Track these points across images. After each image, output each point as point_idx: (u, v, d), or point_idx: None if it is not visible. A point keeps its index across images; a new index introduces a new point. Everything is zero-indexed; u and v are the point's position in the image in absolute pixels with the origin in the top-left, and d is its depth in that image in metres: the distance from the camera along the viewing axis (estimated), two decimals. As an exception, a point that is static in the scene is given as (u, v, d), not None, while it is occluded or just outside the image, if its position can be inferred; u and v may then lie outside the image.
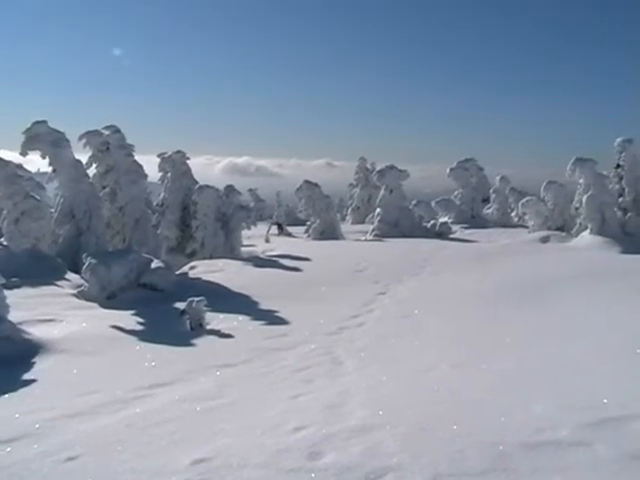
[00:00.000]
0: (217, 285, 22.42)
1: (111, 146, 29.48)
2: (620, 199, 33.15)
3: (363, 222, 53.50)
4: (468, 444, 7.03)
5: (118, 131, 30.04)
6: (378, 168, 45.19)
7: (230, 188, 34.91)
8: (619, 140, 33.39)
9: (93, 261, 20.30)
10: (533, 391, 9.00)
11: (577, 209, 34.50)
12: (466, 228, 44.80)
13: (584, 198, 32.54)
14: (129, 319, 16.94)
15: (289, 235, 44.71)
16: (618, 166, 33.51)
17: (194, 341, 14.89)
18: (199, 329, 15.86)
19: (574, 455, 6.65)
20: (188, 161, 36.67)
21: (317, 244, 36.64)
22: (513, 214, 50.92)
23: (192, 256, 32.09)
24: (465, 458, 6.70)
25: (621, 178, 33.38)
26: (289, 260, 28.12)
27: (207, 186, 33.88)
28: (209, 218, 32.99)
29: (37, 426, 8.70)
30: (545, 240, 34.66)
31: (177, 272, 24.76)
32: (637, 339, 11.83)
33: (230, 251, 32.34)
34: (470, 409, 8.28)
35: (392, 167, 42.22)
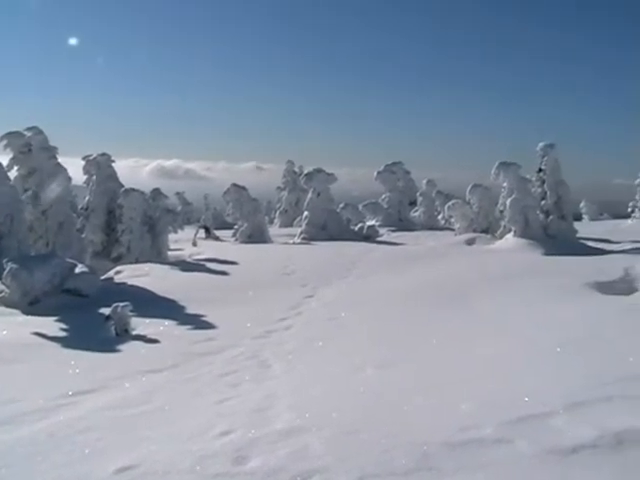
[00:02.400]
0: (143, 290, 22.15)
1: (33, 148, 28.83)
2: (542, 202, 33.88)
3: (291, 225, 53.61)
4: (394, 445, 7.07)
5: (41, 132, 29.39)
6: (306, 171, 45.33)
7: (156, 191, 34.60)
8: (541, 145, 34.17)
9: (14, 266, 19.84)
10: (458, 391, 9.10)
11: (501, 212, 35.18)
12: (393, 231, 45.26)
13: (508, 201, 33.21)
14: (52, 325, 16.60)
15: (217, 239, 44.46)
16: (540, 170, 34.26)
17: (119, 347, 14.68)
18: (124, 335, 15.64)
19: (496, 452, 6.76)
20: (114, 164, 36.14)
21: (245, 247, 36.53)
22: (440, 217, 51.73)
23: (118, 260, 31.64)
24: (390, 459, 6.74)
25: (543, 182, 34.13)
26: (216, 264, 27.97)
27: (133, 189, 33.49)
28: (135, 222, 32.61)
29: (-46, 437, 8.45)
30: (471, 242, 35.30)
31: (102, 277, 24.39)
32: (558, 337, 12.09)
33: (157, 255, 32.02)
34: (395, 410, 8.34)
35: (320, 170, 42.41)
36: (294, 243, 38.83)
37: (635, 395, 8.06)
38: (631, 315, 14.35)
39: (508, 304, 17.00)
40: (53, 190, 28.35)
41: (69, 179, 30.24)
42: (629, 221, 51.00)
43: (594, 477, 6.07)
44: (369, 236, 39.76)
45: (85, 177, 35.67)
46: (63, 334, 15.82)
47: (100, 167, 35.37)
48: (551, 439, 6.93)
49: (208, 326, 16.68)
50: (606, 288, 19.08)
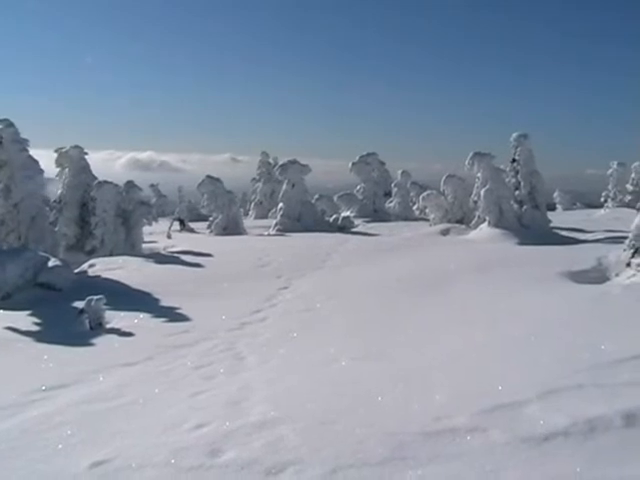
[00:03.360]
0: (117, 283, 22.02)
1: (4, 140, 28.43)
2: (516, 192, 34.06)
3: (266, 217, 53.55)
4: (368, 435, 7.11)
5: (11, 125, 29.00)
6: (280, 163, 45.24)
7: (130, 184, 34.37)
8: (515, 135, 34.30)
9: (-14, 260, 19.65)
10: (432, 381, 9.15)
11: (475, 202, 35.31)
12: (368, 222, 45.38)
13: (482, 191, 33.33)
14: (25, 320, 16.48)
15: (191, 231, 44.36)
16: (514, 160, 34.41)
17: (93, 341, 14.60)
18: (98, 328, 15.57)
19: (470, 441, 6.82)
20: (87, 156, 35.88)
21: (220, 240, 36.46)
22: (414, 207, 51.80)
23: (92, 254, 31.38)
24: (365, 449, 6.77)
25: (517, 172, 34.30)
26: (191, 256, 27.86)
27: (106, 182, 33.26)
28: (109, 214, 32.39)
29: None
30: (445, 233, 35.43)
31: (76, 270, 24.20)
32: (531, 327, 12.21)
33: (131, 248, 31.86)
34: (370, 401, 8.37)
35: (294, 162, 42.35)
36: (269, 235, 38.81)
37: (607, 383, 8.16)
38: (603, 303, 14.50)
39: (483, 294, 17.10)
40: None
41: (41, 172, 29.91)
42: (602, 211, 51.59)
43: (566, 464, 6.15)
44: (344, 227, 39.84)
45: (58, 170, 35.35)
46: (36, 328, 15.72)
47: (73, 160, 35.09)
48: (524, 427, 7.01)
49: (183, 319, 16.63)
50: (579, 277, 19.26)
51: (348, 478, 6.22)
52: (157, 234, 38.65)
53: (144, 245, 33.41)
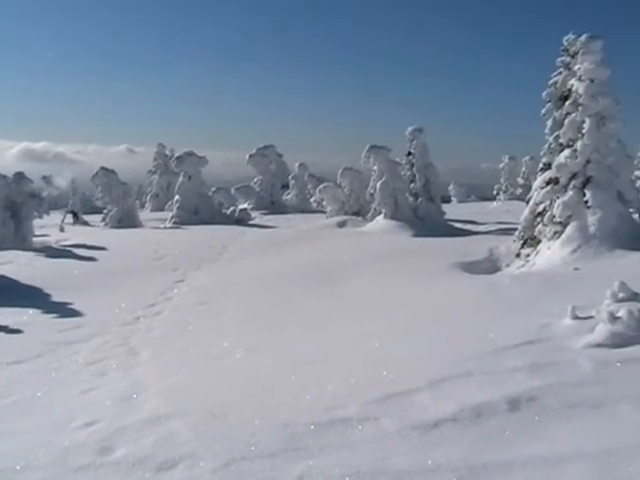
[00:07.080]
0: (5, 278, 21.32)
1: None
2: (412, 185, 34.65)
3: (162, 209, 52.85)
4: (261, 428, 7.10)
5: None
6: (177, 154, 44.74)
7: (20, 175, 33.29)
8: (410, 129, 34.88)
9: None
10: (325, 371, 9.22)
11: (372, 195, 35.75)
12: (265, 214, 45.45)
13: (378, 184, 33.77)
14: None
15: (85, 224, 43.40)
16: (409, 153, 35.00)
17: (-22, 339, 14.12)
18: (-16, 326, 15.07)
19: (362, 430, 6.90)
20: (-27, 147, 34.63)
21: (114, 233, 35.84)
22: (312, 200, 52.08)
23: (-22, 248, 30.29)
24: (258, 441, 6.77)
25: (412, 165, 34.88)
26: (84, 250, 27.31)
27: (-7, 173, 32.13)
28: (-4, 207, 31.30)
29: None
30: (342, 225, 35.77)
31: (-39, 265, 23.35)
32: (423, 317, 12.47)
33: (21, 242, 30.86)
34: (263, 393, 8.38)
35: (191, 153, 41.99)
36: (165, 227, 38.40)
37: (493, 370, 8.40)
38: (493, 293, 14.91)
39: (377, 285, 17.36)
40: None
41: None
42: (494, 203, 53.44)
43: (454, 449, 6.30)
44: (241, 220, 39.71)
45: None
46: None
47: (-43, 150, 33.78)
48: (414, 415, 7.13)
49: (75, 314, 16.26)
50: (472, 268, 19.80)
51: (241, 471, 6.20)
52: (49, 227, 37.62)
53: (35, 239, 32.47)
